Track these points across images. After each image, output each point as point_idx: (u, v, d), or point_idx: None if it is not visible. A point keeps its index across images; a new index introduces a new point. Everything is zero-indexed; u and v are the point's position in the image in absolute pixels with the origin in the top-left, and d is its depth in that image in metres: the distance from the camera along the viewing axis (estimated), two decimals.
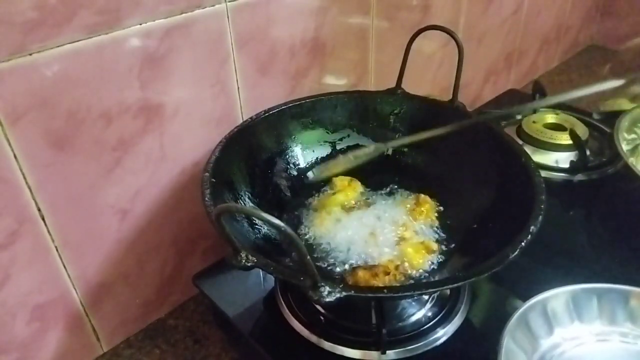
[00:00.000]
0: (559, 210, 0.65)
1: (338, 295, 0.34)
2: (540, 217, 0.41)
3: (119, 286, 0.54)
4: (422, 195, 0.55)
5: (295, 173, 0.59)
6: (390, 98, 0.61)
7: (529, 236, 0.39)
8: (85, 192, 0.47)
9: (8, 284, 0.44)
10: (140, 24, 0.45)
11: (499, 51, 0.97)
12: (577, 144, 0.68)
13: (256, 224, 0.49)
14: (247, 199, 0.52)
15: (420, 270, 0.47)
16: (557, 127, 0.74)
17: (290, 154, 0.59)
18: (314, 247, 0.51)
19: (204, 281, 0.54)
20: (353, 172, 0.57)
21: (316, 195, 0.57)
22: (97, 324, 0.53)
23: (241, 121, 0.56)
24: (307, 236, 0.52)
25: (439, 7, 0.77)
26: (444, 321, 0.48)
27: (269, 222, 0.31)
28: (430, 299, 0.50)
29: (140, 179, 0.51)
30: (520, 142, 0.71)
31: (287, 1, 0.56)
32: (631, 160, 0.60)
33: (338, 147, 0.61)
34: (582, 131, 0.72)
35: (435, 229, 0.52)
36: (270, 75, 0.58)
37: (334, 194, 0.56)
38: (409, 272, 0.47)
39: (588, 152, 0.68)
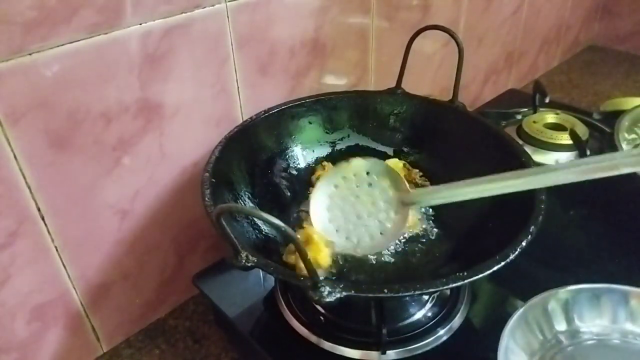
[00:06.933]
0: (559, 210, 0.65)
1: (338, 295, 0.34)
2: (541, 217, 0.41)
3: (119, 286, 0.54)
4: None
5: (295, 173, 0.59)
6: (390, 98, 0.61)
7: (529, 236, 0.39)
8: (85, 192, 0.47)
9: (8, 284, 0.44)
10: (140, 24, 0.45)
11: (499, 51, 0.97)
12: (578, 144, 0.68)
13: (256, 224, 0.49)
14: (247, 199, 0.52)
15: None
16: (558, 127, 0.74)
17: (290, 154, 0.59)
18: None
19: (204, 281, 0.54)
20: None
21: None
22: (97, 324, 0.53)
23: (241, 121, 0.56)
24: None
25: (439, 7, 0.77)
26: (444, 321, 0.48)
27: (269, 222, 0.31)
28: (431, 299, 0.50)
29: (140, 179, 0.51)
30: (521, 142, 0.71)
31: (287, 1, 0.56)
32: None
33: (338, 147, 0.61)
34: (583, 131, 0.71)
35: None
36: (270, 75, 0.58)
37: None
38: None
39: (588, 152, 0.67)
